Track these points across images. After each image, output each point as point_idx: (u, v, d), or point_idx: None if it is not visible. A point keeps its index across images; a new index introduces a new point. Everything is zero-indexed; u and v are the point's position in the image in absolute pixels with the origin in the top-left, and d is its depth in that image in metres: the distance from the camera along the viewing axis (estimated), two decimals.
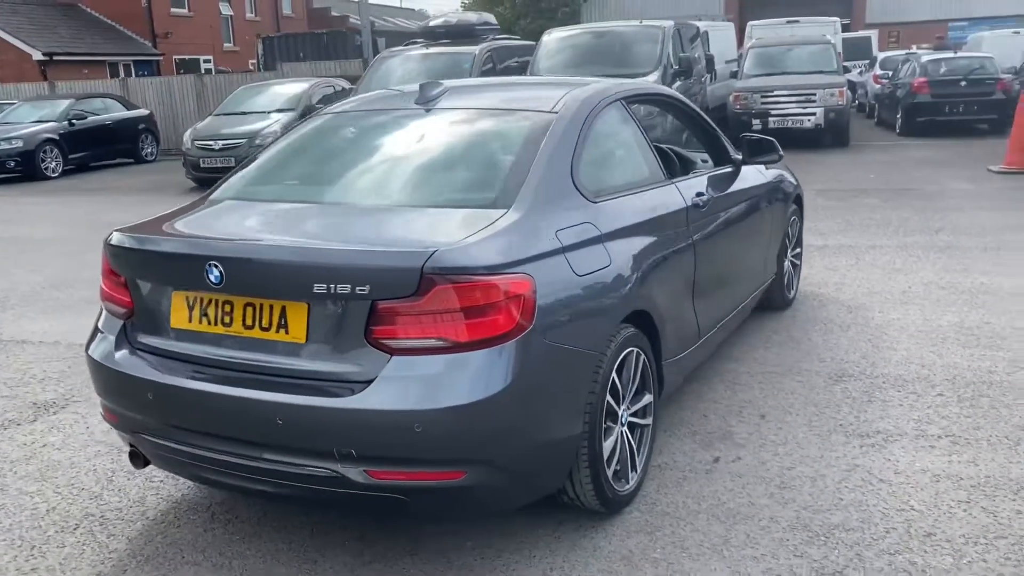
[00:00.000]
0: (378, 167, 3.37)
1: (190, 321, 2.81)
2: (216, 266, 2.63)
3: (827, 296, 5.82)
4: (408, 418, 2.45)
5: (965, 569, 2.71)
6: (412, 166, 3.31)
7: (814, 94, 14.14)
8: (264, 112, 12.94)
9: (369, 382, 2.51)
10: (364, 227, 2.91)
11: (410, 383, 2.48)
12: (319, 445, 2.55)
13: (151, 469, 3.36)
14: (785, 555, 2.84)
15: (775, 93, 14.20)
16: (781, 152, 4.51)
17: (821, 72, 14.90)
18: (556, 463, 2.78)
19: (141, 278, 2.93)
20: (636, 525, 3.07)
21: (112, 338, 3.01)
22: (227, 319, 2.73)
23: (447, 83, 3.66)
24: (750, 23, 19.35)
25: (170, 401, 2.79)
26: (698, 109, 4.58)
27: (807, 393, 4.18)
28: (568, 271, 2.80)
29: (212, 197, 3.40)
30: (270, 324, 2.66)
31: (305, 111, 13.00)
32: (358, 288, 2.48)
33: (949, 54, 16.08)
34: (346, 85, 15.11)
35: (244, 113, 13.19)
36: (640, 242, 3.25)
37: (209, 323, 2.77)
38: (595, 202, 3.13)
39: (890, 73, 17.56)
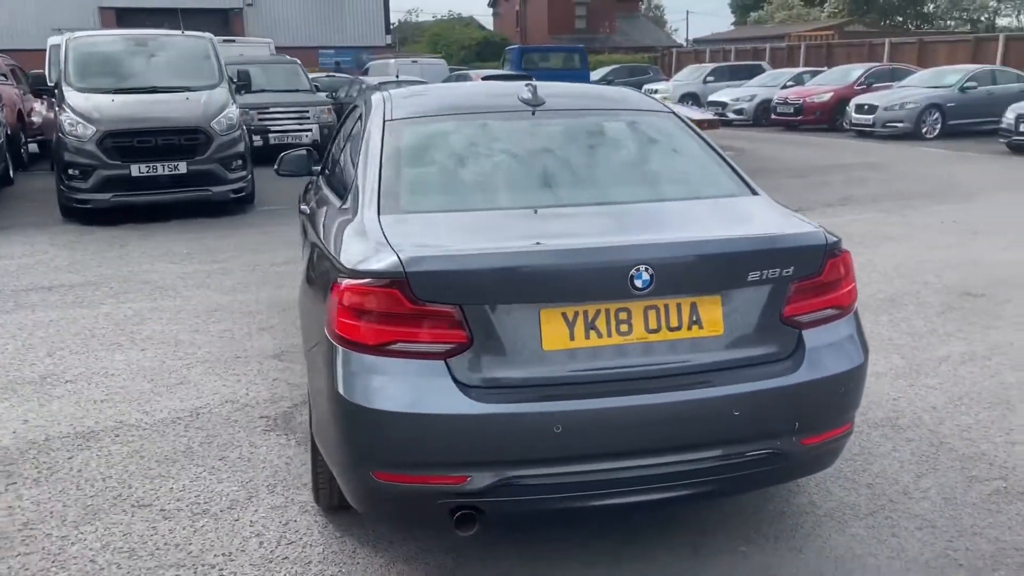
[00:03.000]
0: (594, 168, 3.28)
1: (572, 339, 2.54)
2: (647, 269, 2.49)
3: None
4: (842, 381, 2.75)
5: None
6: (623, 165, 3.34)
7: (307, 111, 14.77)
8: None
9: (788, 357, 2.72)
10: (708, 219, 2.95)
11: (831, 350, 2.76)
12: (770, 427, 2.66)
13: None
14: (903, 445, 3.80)
15: (271, 110, 14.40)
16: None
17: (298, 91, 15.56)
18: None
19: (493, 302, 2.49)
20: None
21: (445, 382, 2.48)
22: (624, 327, 2.57)
23: (539, 85, 3.63)
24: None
25: (590, 428, 2.50)
26: None
27: None
28: None
29: (395, 212, 2.89)
30: (680, 323, 2.61)
31: None
32: (784, 271, 2.67)
33: (393, 77, 18.15)
34: None
35: None
36: None
37: (599, 336, 2.56)
38: None
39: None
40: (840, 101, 20.44)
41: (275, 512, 3.29)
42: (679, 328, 2.62)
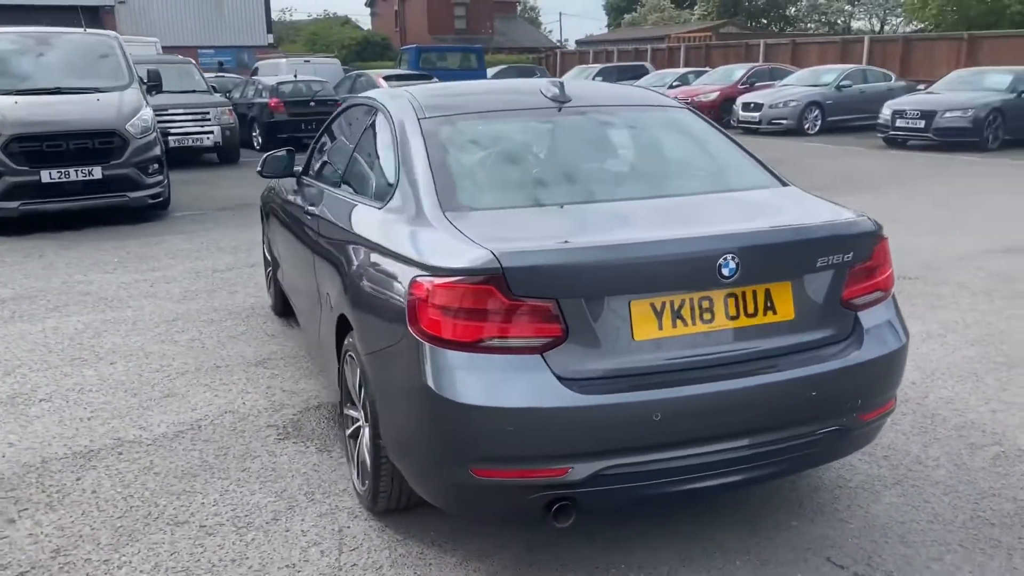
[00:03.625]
0: (639, 162, 3.38)
1: (660, 329, 2.61)
2: (733, 258, 2.59)
3: None
4: (894, 358, 2.92)
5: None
6: (663, 158, 3.45)
7: (208, 112, 14.24)
8: None
9: (848, 338, 2.87)
10: (767, 209, 3.07)
11: (882, 331, 2.93)
12: (840, 405, 2.80)
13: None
14: (901, 419, 4.05)
15: (170, 112, 13.80)
16: None
17: (195, 91, 14.98)
18: None
19: (588, 295, 2.53)
20: None
21: (546, 376, 2.50)
22: (707, 315, 2.66)
23: (569, 81, 3.67)
24: None
25: (686, 414, 2.57)
26: None
27: None
28: None
29: (458, 209, 2.87)
30: (756, 309, 2.72)
31: None
32: (845, 256, 2.82)
33: (291, 77, 17.70)
34: None
35: None
36: None
37: (685, 324, 2.64)
38: None
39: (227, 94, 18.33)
40: (726, 100, 21.34)
41: (324, 520, 3.21)
42: (756, 314, 2.72)
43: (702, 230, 2.73)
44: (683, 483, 2.69)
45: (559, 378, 2.51)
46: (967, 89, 16.55)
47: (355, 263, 3.18)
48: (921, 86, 18.85)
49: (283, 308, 5.65)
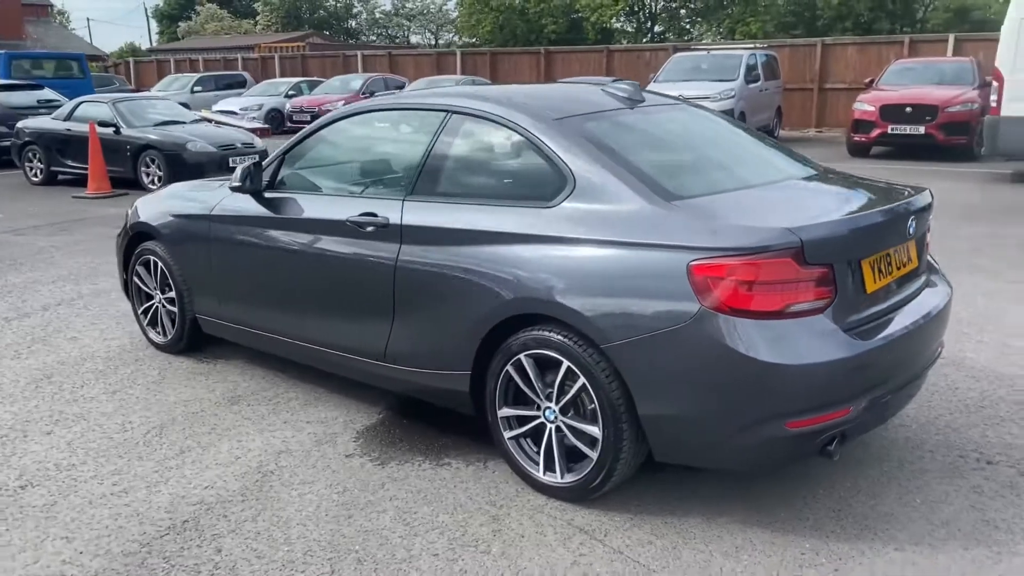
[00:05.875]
0: (739, 153, 3.83)
1: (875, 282, 3.17)
2: (913, 219, 3.25)
3: None
4: (952, 298, 3.80)
5: None
6: (748, 147, 3.90)
7: None
8: None
9: (930, 280, 3.69)
10: (869, 183, 3.71)
11: (942, 276, 3.80)
12: (940, 337, 3.59)
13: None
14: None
15: None
16: None
17: None
18: None
19: (848, 259, 2.99)
20: None
21: (836, 331, 2.93)
22: (890, 268, 3.28)
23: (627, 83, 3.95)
24: None
25: (909, 347, 3.18)
26: None
27: None
28: None
29: (677, 196, 3.12)
30: (905, 261, 3.40)
31: None
32: (932, 214, 3.63)
33: None
34: None
35: None
36: None
37: (883, 277, 3.23)
38: None
39: None
40: None
41: (540, 518, 3.19)
42: (905, 265, 3.40)
43: (897, 198, 3.35)
44: (900, 406, 3.32)
45: (844, 331, 2.95)
46: None
47: (546, 261, 3.17)
48: None
49: (189, 343, 5.00)
